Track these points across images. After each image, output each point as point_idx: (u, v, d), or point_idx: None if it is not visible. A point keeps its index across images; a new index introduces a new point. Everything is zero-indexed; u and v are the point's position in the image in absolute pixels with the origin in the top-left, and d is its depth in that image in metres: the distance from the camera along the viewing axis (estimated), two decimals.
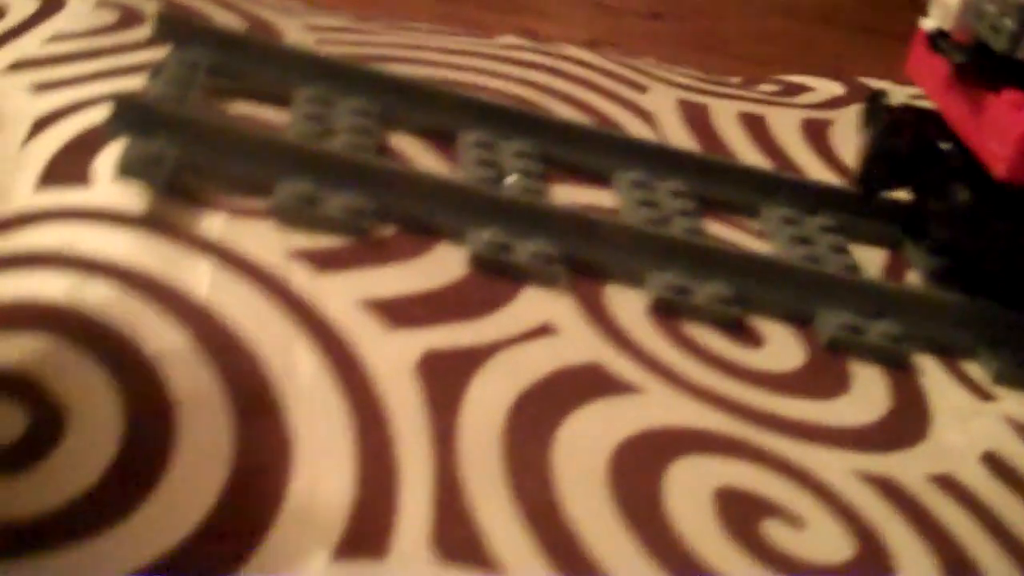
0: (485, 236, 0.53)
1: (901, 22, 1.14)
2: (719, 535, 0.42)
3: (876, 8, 1.17)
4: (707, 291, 0.54)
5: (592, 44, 0.88)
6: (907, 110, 0.63)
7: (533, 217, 0.54)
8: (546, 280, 0.52)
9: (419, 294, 0.50)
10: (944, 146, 0.62)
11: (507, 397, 0.45)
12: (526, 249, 0.53)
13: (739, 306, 0.55)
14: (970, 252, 0.60)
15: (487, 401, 0.45)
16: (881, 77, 0.89)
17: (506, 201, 0.54)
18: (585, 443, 0.44)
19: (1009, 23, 0.56)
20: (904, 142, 0.62)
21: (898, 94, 0.84)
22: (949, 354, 0.58)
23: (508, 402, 0.45)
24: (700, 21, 1.03)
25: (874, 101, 0.64)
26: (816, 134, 0.77)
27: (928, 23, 0.61)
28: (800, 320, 0.56)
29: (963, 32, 0.58)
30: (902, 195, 0.66)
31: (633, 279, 0.55)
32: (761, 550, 0.42)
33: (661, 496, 0.43)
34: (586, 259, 0.55)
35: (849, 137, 0.77)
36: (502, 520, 0.40)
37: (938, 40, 0.59)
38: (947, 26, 0.59)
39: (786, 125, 0.77)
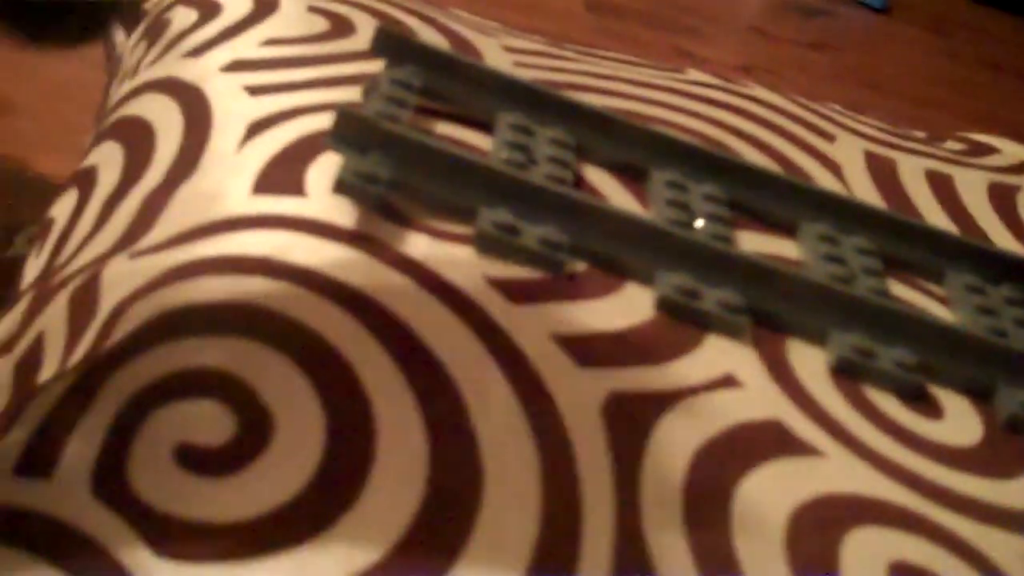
0: (674, 280, 0.53)
1: None
2: None
3: None
4: (891, 356, 0.54)
5: (746, 70, 0.88)
6: None
7: (721, 264, 0.55)
8: (731, 330, 0.53)
9: (608, 333, 0.50)
10: None
11: (690, 447, 0.46)
12: (713, 296, 0.53)
13: (921, 374, 0.54)
14: None
15: (670, 449, 0.45)
16: None
17: (696, 245, 0.55)
18: (765, 502, 0.44)
19: None
20: None
21: None
22: None
23: (691, 452, 0.45)
24: (859, 55, 1.02)
25: None
26: (1003, 199, 0.75)
27: None
28: (980, 394, 0.55)
29: None
30: None
31: (815, 336, 0.55)
32: None
33: (838, 564, 0.43)
34: (770, 311, 0.55)
35: None
36: (679, 573, 0.40)
37: None
38: None
39: (973, 187, 0.75)
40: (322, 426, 0.42)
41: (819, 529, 0.44)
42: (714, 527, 0.43)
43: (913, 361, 0.54)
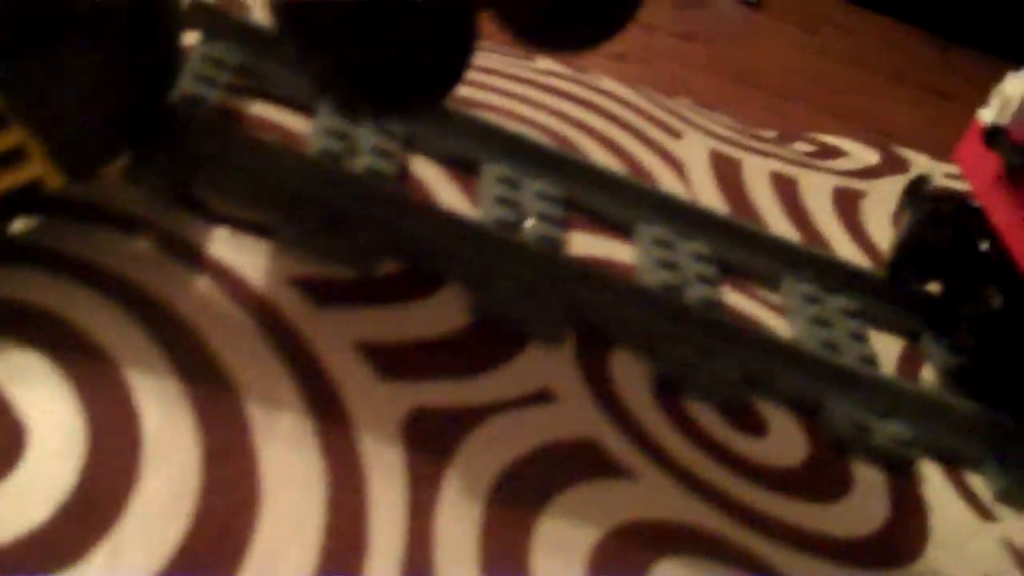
0: (496, 286, 0.50)
1: (927, 72, 1.11)
2: None
3: (904, 56, 1.14)
4: (716, 369, 0.51)
5: (620, 57, 0.85)
6: (948, 200, 0.60)
7: (546, 270, 0.51)
8: (550, 340, 0.49)
9: (417, 342, 0.47)
10: (983, 245, 0.59)
11: (493, 469, 0.42)
12: (532, 306, 0.50)
13: (747, 388, 0.52)
14: (996, 360, 0.58)
15: (472, 473, 0.42)
16: (904, 124, 0.87)
17: (522, 250, 0.51)
18: (567, 532, 0.41)
19: None
20: (943, 236, 0.59)
21: (935, 170, 0.81)
22: (955, 464, 0.55)
23: (494, 476, 0.42)
24: (731, 48, 1.00)
25: (916, 187, 0.61)
26: (847, 205, 0.74)
27: (986, 116, 0.57)
28: (808, 409, 0.53)
29: (1022, 131, 0.55)
30: (929, 287, 0.63)
31: (641, 348, 0.52)
32: None
33: None
34: (595, 321, 0.52)
35: (880, 213, 0.74)
36: None
37: (994, 137, 0.56)
38: (1006, 123, 0.56)
39: (818, 191, 0.74)
40: (84, 438, 0.37)
41: (623, 561, 0.41)
42: (512, 560, 0.39)
43: (738, 375, 0.52)
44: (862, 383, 0.54)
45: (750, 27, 1.08)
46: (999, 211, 0.56)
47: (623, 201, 0.61)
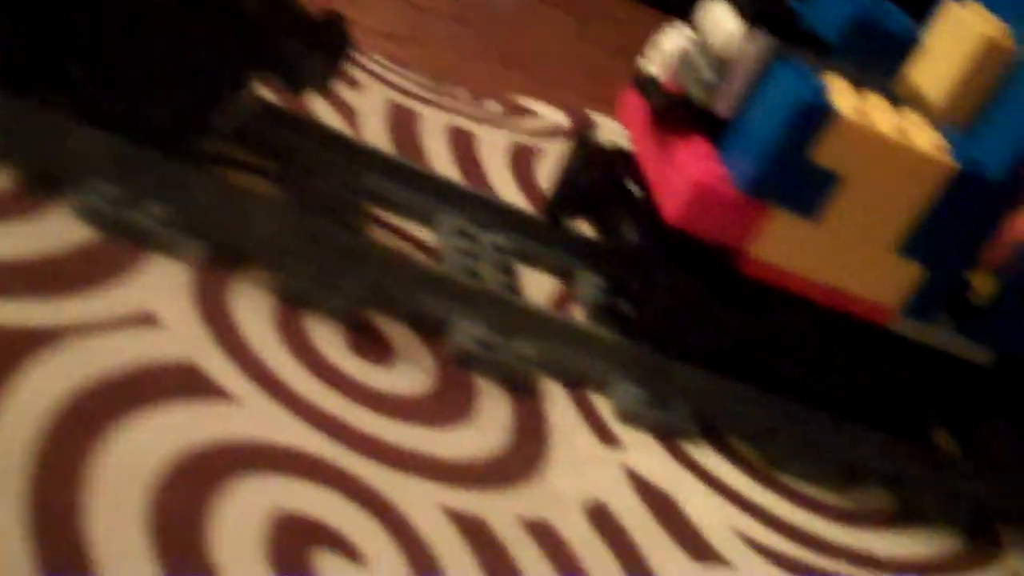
0: (107, 192, 0.47)
1: None
2: (259, 563, 0.38)
3: None
4: (340, 288, 0.50)
5: (393, 38, 0.84)
6: (608, 150, 0.61)
7: (164, 181, 0.49)
8: (171, 250, 0.47)
9: (12, 261, 0.44)
10: (632, 188, 0.60)
11: (62, 389, 0.40)
12: (152, 210, 0.48)
13: (371, 306, 0.51)
14: (629, 291, 0.59)
15: (35, 390, 0.39)
16: None
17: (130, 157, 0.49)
18: (140, 449, 0.39)
19: (708, 75, 0.54)
20: (593, 177, 0.60)
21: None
22: (582, 386, 0.55)
23: (61, 396, 0.40)
24: (503, 33, 1.00)
25: (582, 135, 0.61)
26: (523, 161, 0.74)
27: (645, 67, 0.58)
28: (433, 328, 0.53)
29: (673, 80, 0.56)
30: (587, 229, 0.63)
31: (265, 267, 0.50)
32: None
33: (210, 514, 0.38)
34: (226, 240, 0.50)
35: (555, 170, 0.74)
36: (12, 533, 0.34)
37: (645, 85, 0.57)
38: (660, 72, 0.57)
39: (494, 146, 0.74)
40: None
41: (200, 477, 0.40)
42: (66, 482, 0.37)
43: (362, 294, 0.51)
44: (489, 303, 0.54)
45: (523, 14, 1.09)
46: (646, 152, 0.57)
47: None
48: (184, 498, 0.39)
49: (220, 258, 0.50)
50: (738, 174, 0.52)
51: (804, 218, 0.52)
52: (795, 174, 0.51)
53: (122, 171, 0.49)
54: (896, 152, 0.51)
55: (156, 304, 0.46)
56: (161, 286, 0.47)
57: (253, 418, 0.43)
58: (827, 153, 0.51)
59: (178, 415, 0.42)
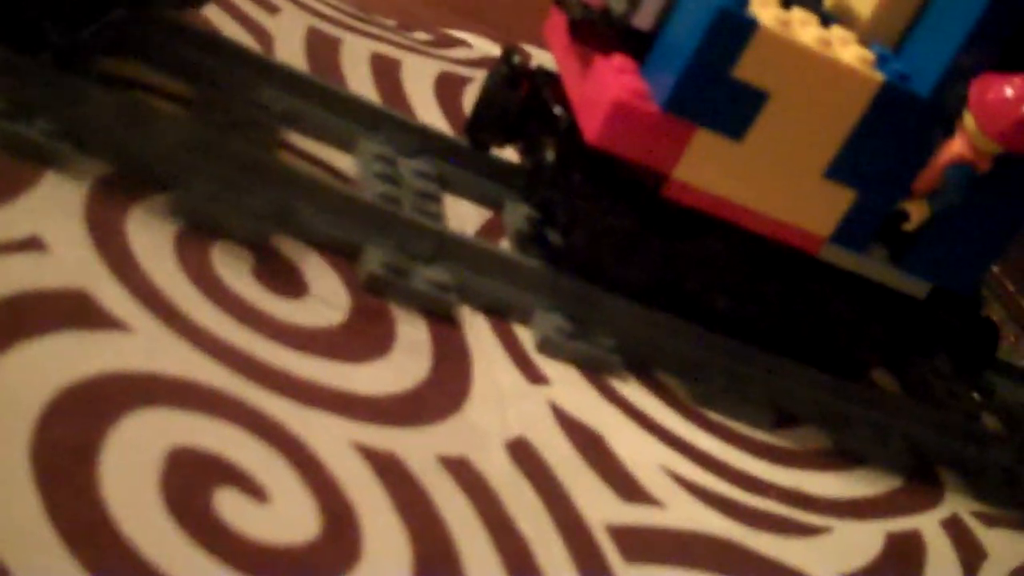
0: None
1: None
2: (153, 500, 0.35)
3: None
4: (244, 204, 0.47)
5: None
6: (531, 70, 0.58)
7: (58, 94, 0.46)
8: (63, 168, 0.44)
9: None
10: (557, 109, 0.57)
11: None
12: (42, 125, 0.44)
13: (274, 226, 0.48)
14: (548, 213, 0.56)
15: None
16: None
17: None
18: (25, 380, 0.36)
19: None
20: (515, 97, 0.57)
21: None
22: (504, 317, 0.53)
23: None
24: None
25: (506, 54, 0.58)
26: (449, 89, 0.71)
27: None
28: (347, 253, 0.50)
29: None
30: (513, 156, 0.61)
31: (165, 188, 0.47)
32: (197, 518, 0.35)
33: (100, 449, 0.35)
34: (124, 157, 0.46)
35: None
36: None
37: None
38: None
39: (420, 74, 0.71)
40: None
41: (90, 409, 0.37)
42: None
43: (265, 211, 0.48)
44: (405, 228, 0.51)
45: None
46: (567, 70, 0.54)
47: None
48: (73, 432, 0.36)
49: (117, 178, 0.47)
50: (659, 91, 0.49)
51: (729, 138, 0.50)
52: (718, 90, 0.49)
53: (11, 83, 0.45)
54: (820, 65, 0.49)
55: (44, 227, 0.42)
56: (50, 208, 0.43)
57: (148, 349, 0.40)
58: (750, 68, 0.48)
59: (66, 345, 0.38)
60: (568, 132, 0.54)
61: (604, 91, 0.50)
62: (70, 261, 0.42)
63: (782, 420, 0.57)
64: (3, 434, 0.34)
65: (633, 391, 0.54)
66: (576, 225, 0.54)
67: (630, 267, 0.55)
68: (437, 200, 0.56)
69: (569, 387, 0.51)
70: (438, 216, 0.55)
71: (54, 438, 0.35)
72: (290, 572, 0.35)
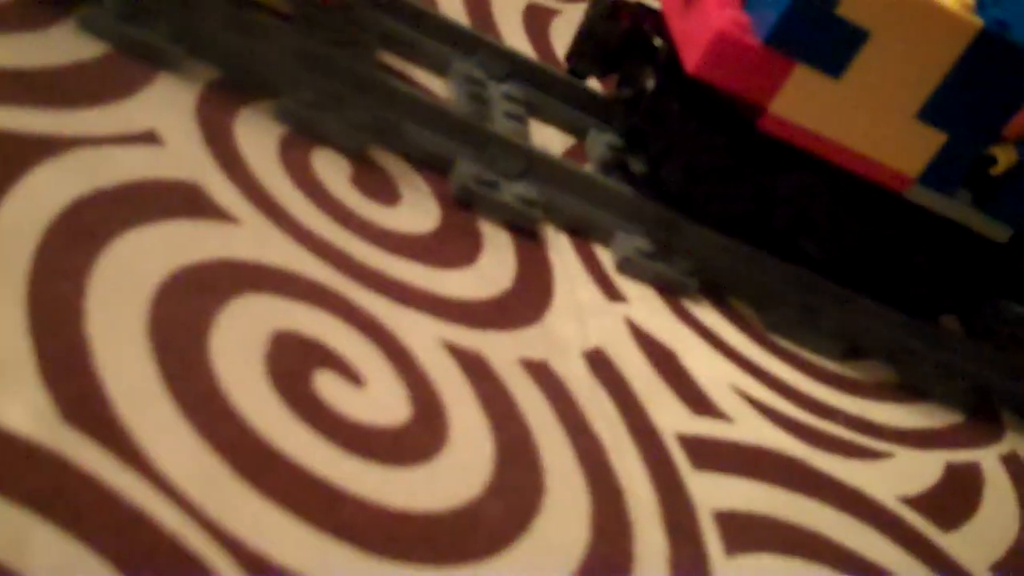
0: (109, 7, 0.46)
1: None
2: (259, 376, 0.37)
3: None
4: (345, 117, 0.49)
5: None
6: (631, 3, 0.59)
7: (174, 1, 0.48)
8: (178, 70, 0.46)
9: (16, 69, 0.42)
10: (657, 42, 0.58)
11: (66, 196, 0.39)
12: (160, 29, 0.46)
13: (377, 137, 0.50)
14: (637, 143, 0.57)
15: (36, 198, 0.38)
16: None
17: None
18: (141, 259, 0.38)
19: None
20: (615, 28, 0.58)
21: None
22: (587, 235, 0.54)
23: (63, 204, 0.38)
24: None
25: None
26: (537, 20, 0.72)
27: None
28: (439, 166, 0.52)
29: None
30: (597, 87, 0.62)
31: (271, 94, 0.49)
32: (298, 395, 0.37)
33: (209, 327, 0.38)
34: (233, 63, 0.48)
35: (570, 32, 0.72)
36: (14, 332, 0.34)
37: None
38: None
39: (509, 3, 0.72)
40: None
41: (201, 291, 0.39)
42: (69, 275, 0.36)
43: (367, 122, 0.50)
44: (496, 145, 0.53)
45: None
46: (670, 7, 0.55)
47: None
48: (185, 310, 0.38)
49: (227, 82, 0.49)
50: (762, 25, 0.50)
51: (827, 75, 0.50)
52: (820, 27, 0.49)
53: None
54: (922, 7, 0.49)
55: (160, 123, 0.44)
56: (166, 105, 0.45)
57: (255, 240, 0.42)
58: (853, 6, 0.49)
59: (179, 232, 0.41)
60: (667, 64, 0.55)
61: (707, 23, 0.50)
62: (184, 155, 0.44)
63: (851, 352, 0.58)
64: (122, 307, 0.36)
65: (708, 314, 0.55)
66: (670, 154, 0.55)
67: (719, 199, 0.56)
68: (523, 123, 0.58)
69: (646, 306, 0.53)
70: (524, 137, 0.56)
71: (169, 314, 0.37)
72: (383, 450, 0.37)
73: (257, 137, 0.47)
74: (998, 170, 0.54)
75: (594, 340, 0.49)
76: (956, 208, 0.56)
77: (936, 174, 0.54)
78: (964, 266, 0.59)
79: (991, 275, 0.60)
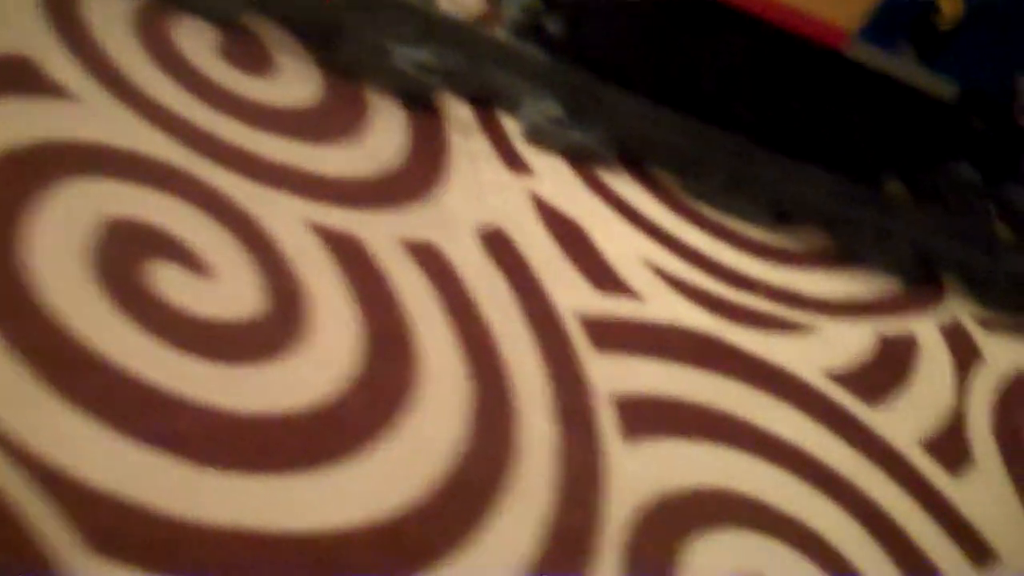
0: None
1: None
2: (79, 267, 0.33)
3: None
4: None
5: None
6: None
7: None
8: None
9: None
10: None
11: None
12: None
13: (245, 4, 0.45)
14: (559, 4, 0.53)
15: None
16: None
17: None
18: None
19: None
20: None
21: None
22: (491, 104, 0.50)
23: None
24: None
25: None
26: None
27: None
28: (325, 38, 0.47)
29: None
30: None
31: None
32: (128, 290, 0.33)
33: (24, 215, 0.34)
34: None
35: None
36: None
37: None
38: None
39: None
40: None
41: (22, 173, 0.35)
42: None
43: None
44: (386, 7, 0.48)
45: None
46: None
47: None
48: (1, 193, 0.34)
49: None
50: None
51: None
52: None
53: None
54: None
55: None
56: None
57: (93, 119, 0.38)
58: None
59: (5, 112, 0.36)
60: None
61: None
62: (14, 26, 0.39)
63: (783, 220, 0.55)
64: None
65: (624, 185, 0.51)
66: (589, 13, 0.51)
67: (642, 62, 0.52)
68: None
69: (555, 179, 0.49)
70: (428, 1, 0.51)
71: None
72: (229, 347, 0.34)
73: (110, 6, 0.42)
74: (943, 21, 0.50)
75: (492, 218, 0.45)
76: (899, 65, 0.51)
77: (876, 28, 0.50)
78: (908, 127, 0.55)
79: (937, 136, 0.56)
